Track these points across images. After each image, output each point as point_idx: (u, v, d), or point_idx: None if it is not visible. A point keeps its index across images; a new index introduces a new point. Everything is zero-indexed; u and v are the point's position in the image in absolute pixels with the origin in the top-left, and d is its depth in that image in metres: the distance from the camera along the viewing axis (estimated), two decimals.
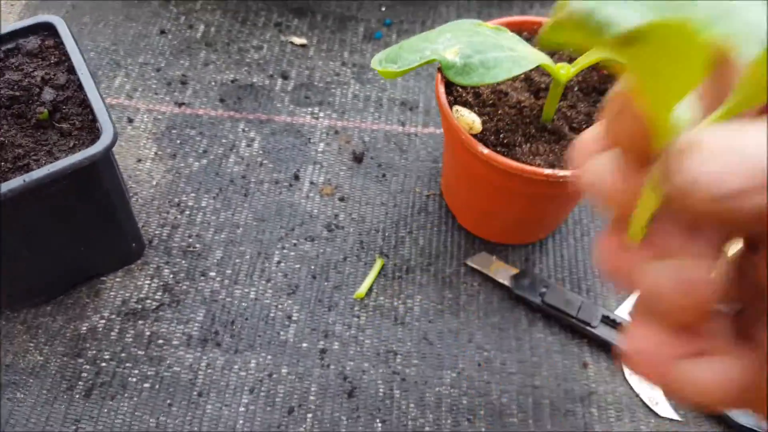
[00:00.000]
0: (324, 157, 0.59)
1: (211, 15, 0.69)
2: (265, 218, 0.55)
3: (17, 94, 0.43)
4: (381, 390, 0.47)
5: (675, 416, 0.47)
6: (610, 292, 0.53)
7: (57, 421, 0.45)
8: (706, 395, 0.17)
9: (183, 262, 0.52)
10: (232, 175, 0.58)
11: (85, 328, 0.49)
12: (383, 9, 0.71)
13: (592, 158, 0.19)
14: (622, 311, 0.51)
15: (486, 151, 0.43)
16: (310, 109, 0.63)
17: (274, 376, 0.47)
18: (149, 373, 0.47)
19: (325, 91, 0.64)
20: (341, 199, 0.57)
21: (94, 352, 0.48)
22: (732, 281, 0.19)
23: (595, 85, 0.50)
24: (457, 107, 0.46)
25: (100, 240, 0.48)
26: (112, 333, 0.49)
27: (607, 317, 0.50)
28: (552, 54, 0.51)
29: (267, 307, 0.50)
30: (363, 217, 0.56)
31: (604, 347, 0.50)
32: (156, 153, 0.59)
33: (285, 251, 0.53)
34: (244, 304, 0.50)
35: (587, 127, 0.48)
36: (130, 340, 0.48)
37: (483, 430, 0.46)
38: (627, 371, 0.49)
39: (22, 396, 0.45)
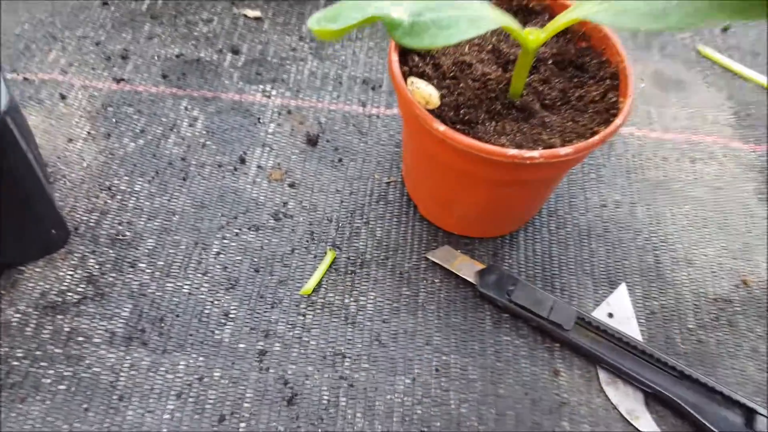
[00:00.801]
0: (274, 139, 0.54)
1: None
2: (204, 205, 0.50)
3: None
4: (325, 397, 0.42)
5: (658, 431, 0.41)
6: (588, 290, 0.47)
7: None
8: None
9: (110, 251, 0.47)
10: (170, 157, 0.52)
11: None
12: None
13: None
14: (601, 312, 0.46)
15: (442, 128, 0.38)
16: (261, 86, 0.57)
17: (205, 379, 0.42)
18: (66, 373, 0.41)
19: (279, 68, 0.58)
20: (291, 186, 0.51)
21: (6, 349, 0.42)
22: None
23: (572, 58, 0.45)
24: (412, 78, 0.40)
25: (10, 226, 0.43)
26: (27, 328, 0.43)
27: (583, 319, 0.44)
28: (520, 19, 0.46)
29: (202, 302, 0.45)
30: (315, 206, 0.50)
31: (578, 352, 0.44)
32: (89, 132, 0.53)
33: (225, 241, 0.48)
34: (176, 299, 0.45)
35: (562, 105, 0.42)
36: (47, 336, 0.43)
37: None
38: (604, 380, 0.43)
39: None
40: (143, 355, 0.42)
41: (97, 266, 0.46)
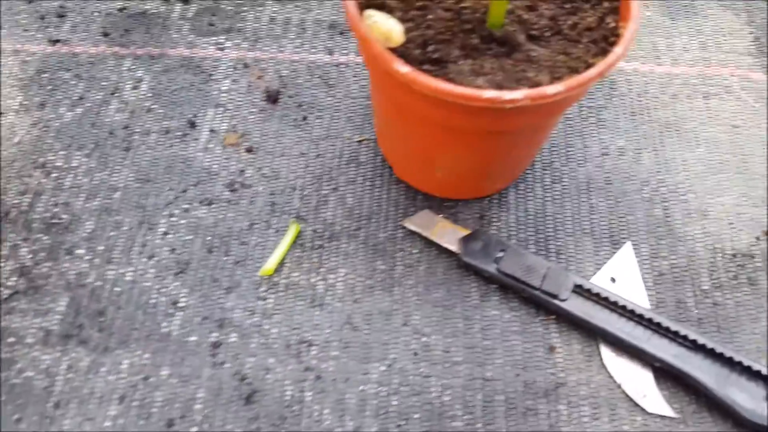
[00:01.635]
0: (229, 98, 0.48)
1: None
2: (150, 178, 0.44)
3: None
4: (288, 392, 0.37)
5: (668, 412, 0.36)
6: (587, 253, 0.41)
7: None
8: None
9: (45, 237, 0.41)
10: (112, 125, 0.46)
11: None
12: None
13: None
14: (602, 278, 0.40)
15: (405, 69, 0.31)
16: (214, 38, 0.50)
17: (152, 379, 0.37)
18: None
19: (234, 16, 0.52)
20: (249, 151, 0.45)
21: None
22: None
23: None
24: (369, 11, 0.34)
25: None
26: None
27: (581, 286, 0.39)
28: None
29: (147, 291, 0.40)
30: (276, 173, 0.44)
31: (576, 325, 0.39)
32: (21, 103, 0.47)
33: (174, 219, 0.42)
34: (117, 288, 0.40)
35: (551, 36, 0.36)
36: None
37: None
38: (606, 355, 0.38)
39: None
40: (82, 355, 0.37)
41: (30, 255, 0.41)
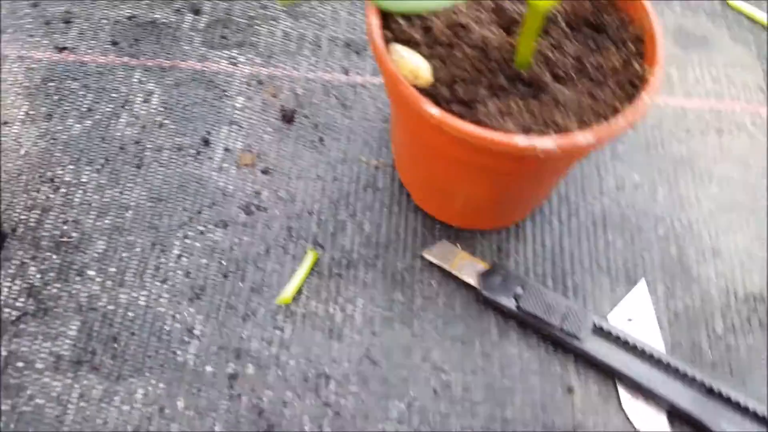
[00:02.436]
0: (243, 115, 0.47)
1: None
2: (163, 197, 0.43)
3: None
4: (307, 428, 0.36)
5: None
6: (604, 290, 0.42)
7: None
8: None
9: (54, 257, 0.40)
10: (122, 140, 0.45)
11: None
12: None
13: None
14: (618, 316, 0.41)
15: (436, 111, 0.31)
16: (227, 52, 0.49)
17: (167, 411, 0.36)
18: (3, 407, 0.36)
19: (247, 29, 0.51)
20: (265, 172, 0.44)
21: None
22: None
23: (587, 16, 0.38)
24: (396, 46, 0.33)
25: None
26: None
27: (600, 327, 0.39)
28: None
29: (161, 316, 0.39)
30: (293, 196, 0.44)
31: (594, 365, 0.39)
32: (27, 113, 0.45)
33: (188, 241, 0.41)
34: (131, 313, 0.39)
35: (577, 75, 0.35)
36: None
37: None
38: (624, 397, 0.38)
39: None
40: (94, 383, 0.36)
41: (38, 275, 0.39)
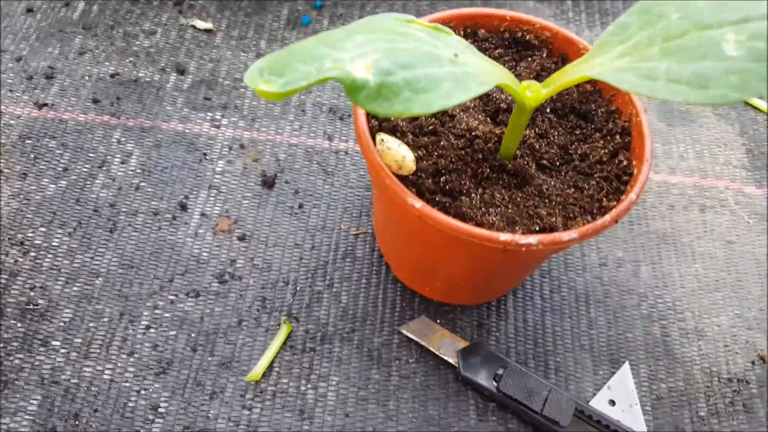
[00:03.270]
0: (223, 179, 0.46)
1: None
2: (134, 264, 0.42)
3: None
4: None
5: None
6: (587, 371, 0.40)
7: None
8: None
9: (19, 325, 0.39)
10: (97, 202, 0.44)
11: None
12: None
13: None
14: (601, 399, 0.39)
15: (419, 204, 0.30)
16: (210, 114, 0.49)
17: None
18: None
19: (231, 91, 0.50)
20: (241, 239, 0.43)
21: None
22: None
23: (573, 104, 0.38)
24: (382, 135, 0.33)
25: None
26: None
27: (582, 412, 0.38)
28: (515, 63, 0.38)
29: (126, 392, 0.37)
30: (269, 264, 0.43)
31: None
32: (1, 171, 0.44)
33: (158, 312, 0.40)
34: (94, 387, 0.37)
35: (562, 165, 0.35)
36: None
37: None
38: None
39: None
40: None
41: (1, 344, 0.38)
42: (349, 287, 0.42)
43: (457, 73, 0.26)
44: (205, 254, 0.42)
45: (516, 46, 0.39)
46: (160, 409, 0.37)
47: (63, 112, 0.47)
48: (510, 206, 0.32)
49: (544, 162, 0.35)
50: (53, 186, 0.44)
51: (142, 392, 0.37)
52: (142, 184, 0.45)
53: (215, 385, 0.38)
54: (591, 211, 0.33)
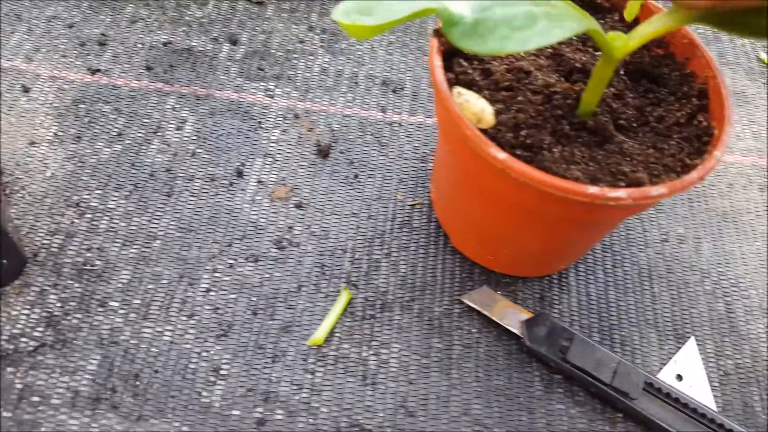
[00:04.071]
0: (278, 148, 0.45)
1: None
2: (193, 228, 0.41)
3: None
4: None
5: None
6: (652, 345, 0.40)
7: None
8: None
9: (76, 285, 0.38)
10: (153, 167, 0.43)
11: None
12: None
13: None
14: (668, 374, 0.38)
15: (502, 155, 0.29)
16: (263, 84, 0.48)
17: None
18: None
19: (284, 63, 0.50)
20: (298, 206, 0.43)
21: None
22: None
23: (645, 68, 0.37)
24: (459, 89, 0.32)
25: None
26: None
27: (651, 385, 0.37)
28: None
29: (186, 354, 0.36)
30: (326, 232, 0.42)
31: (644, 425, 0.37)
32: (56, 134, 0.44)
33: (217, 275, 0.39)
34: (154, 349, 0.36)
35: (639, 126, 0.34)
36: None
37: None
38: None
39: None
40: (113, 422, 0.34)
41: (59, 304, 0.37)
42: (408, 256, 0.41)
43: (552, 13, 0.26)
44: (262, 220, 0.42)
45: (587, 8, 0.38)
46: (221, 371, 0.36)
47: (116, 78, 0.47)
48: (591, 163, 0.32)
49: (622, 122, 0.34)
50: (108, 150, 0.44)
51: (203, 354, 0.36)
52: (198, 150, 0.44)
53: (277, 349, 0.37)
54: (675, 170, 0.32)
